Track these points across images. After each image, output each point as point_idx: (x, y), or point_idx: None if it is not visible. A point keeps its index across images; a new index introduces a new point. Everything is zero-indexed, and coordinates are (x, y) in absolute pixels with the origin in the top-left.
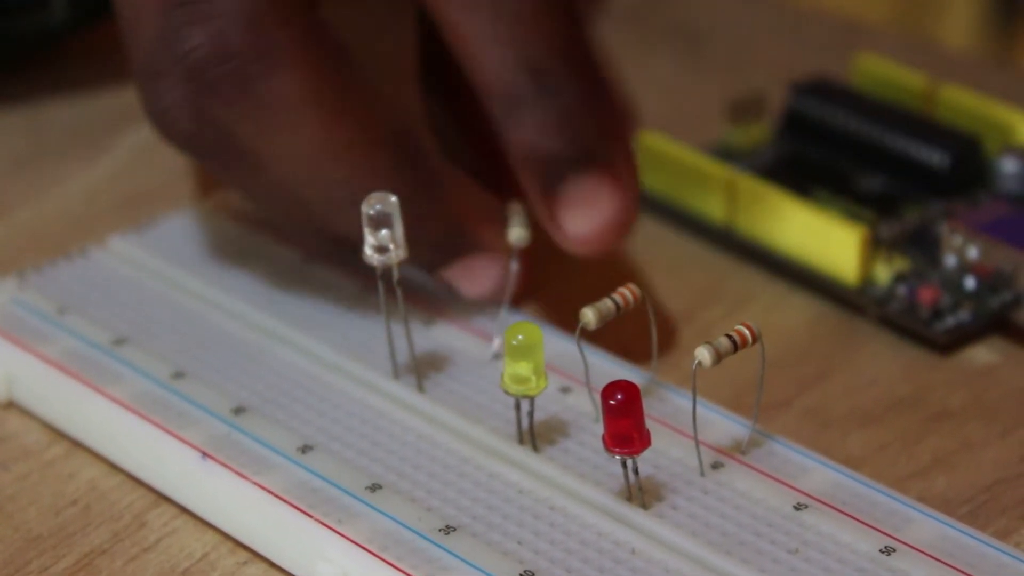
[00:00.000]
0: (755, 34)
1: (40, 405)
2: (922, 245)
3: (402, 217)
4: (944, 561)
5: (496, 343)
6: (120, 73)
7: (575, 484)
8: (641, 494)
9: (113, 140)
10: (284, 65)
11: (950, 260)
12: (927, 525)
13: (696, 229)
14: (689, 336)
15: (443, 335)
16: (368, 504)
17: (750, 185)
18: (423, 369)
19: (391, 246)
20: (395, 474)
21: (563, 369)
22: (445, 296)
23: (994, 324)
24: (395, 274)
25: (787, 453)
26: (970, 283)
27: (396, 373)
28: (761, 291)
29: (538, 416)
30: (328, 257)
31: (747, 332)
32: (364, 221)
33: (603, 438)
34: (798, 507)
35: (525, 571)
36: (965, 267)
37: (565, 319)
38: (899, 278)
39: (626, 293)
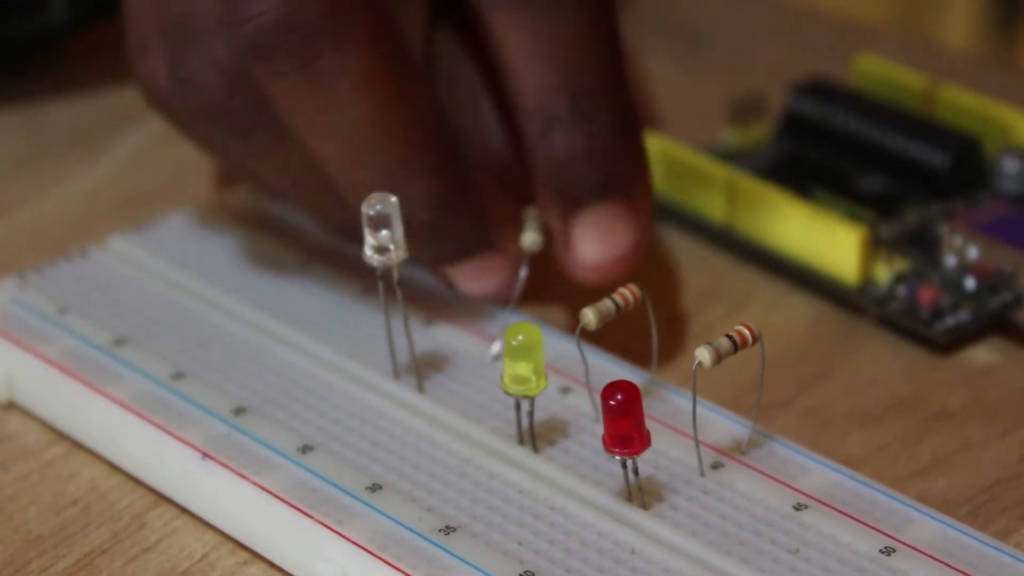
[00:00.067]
0: (755, 35)
1: (40, 405)
2: (922, 245)
3: (431, 212)
4: (944, 561)
5: (496, 346)
6: (120, 73)
7: (575, 484)
8: (641, 494)
9: (113, 140)
10: (353, 41)
11: (950, 260)
12: (927, 525)
13: (696, 229)
14: (689, 336)
15: (443, 335)
16: (368, 504)
17: (750, 185)
18: (423, 369)
19: (391, 246)
20: (395, 474)
21: (563, 369)
22: (445, 296)
23: (994, 324)
24: (395, 274)
25: (787, 453)
26: (970, 283)
27: (396, 373)
28: (761, 291)
29: (538, 416)
30: (329, 255)
31: (747, 332)
32: (364, 222)
33: (603, 438)
34: (798, 507)
35: (525, 571)
36: (965, 267)
37: (565, 319)
38: (899, 278)
39: (626, 293)
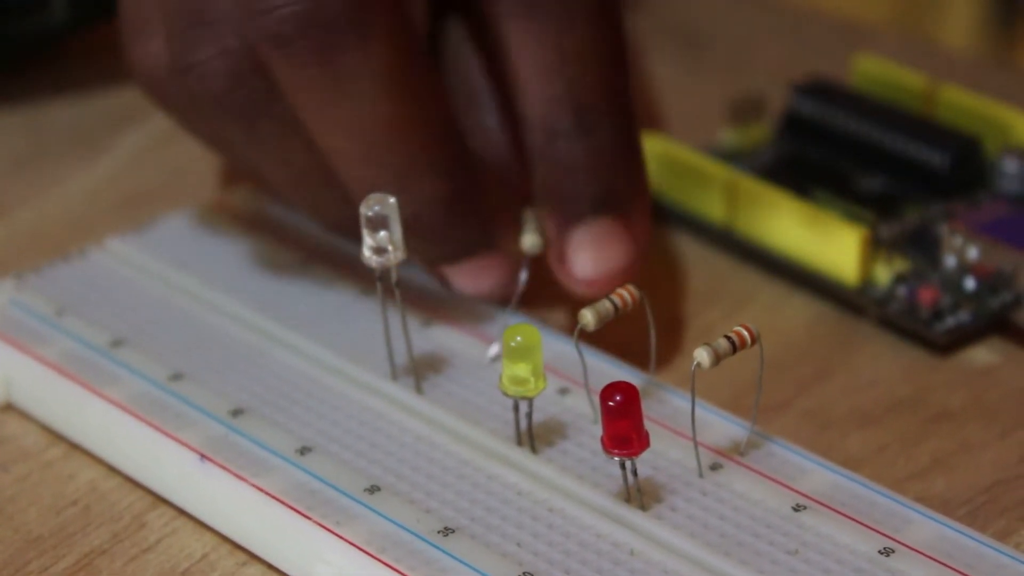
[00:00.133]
0: (755, 35)
1: (38, 407)
2: (922, 246)
3: (439, 211)
4: (943, 562)
5: (495, 348)
6: (120, 73)
7: (574, 486)
8: (640, 495)
9: (113, 141)
10: (377, 37)
11: (950, 261)
12: (926, 526)
13: (696, 229)
14: (688, 337)
15: (441, 336)
16: (367, 506)
17: (750, 186)
18: (421, 371)
19: (389, 247)
20: (394, 476)
21: (562, 370)
22: (443, 297)
23: (994, 325)
24: (393, 275)
25: (786, 454)
26: (970, 284)
27: (394, 375)
28: (761, 292)
29: (537, 417)
30: (327, 256)
31: (746, 333)
32: (362, 222)
33: (602, 439)
34: (797, 508)
35: (524, 572)
36: (965, 267)
37: (564, 320)
38: (899, 279)
39: (624, 294)
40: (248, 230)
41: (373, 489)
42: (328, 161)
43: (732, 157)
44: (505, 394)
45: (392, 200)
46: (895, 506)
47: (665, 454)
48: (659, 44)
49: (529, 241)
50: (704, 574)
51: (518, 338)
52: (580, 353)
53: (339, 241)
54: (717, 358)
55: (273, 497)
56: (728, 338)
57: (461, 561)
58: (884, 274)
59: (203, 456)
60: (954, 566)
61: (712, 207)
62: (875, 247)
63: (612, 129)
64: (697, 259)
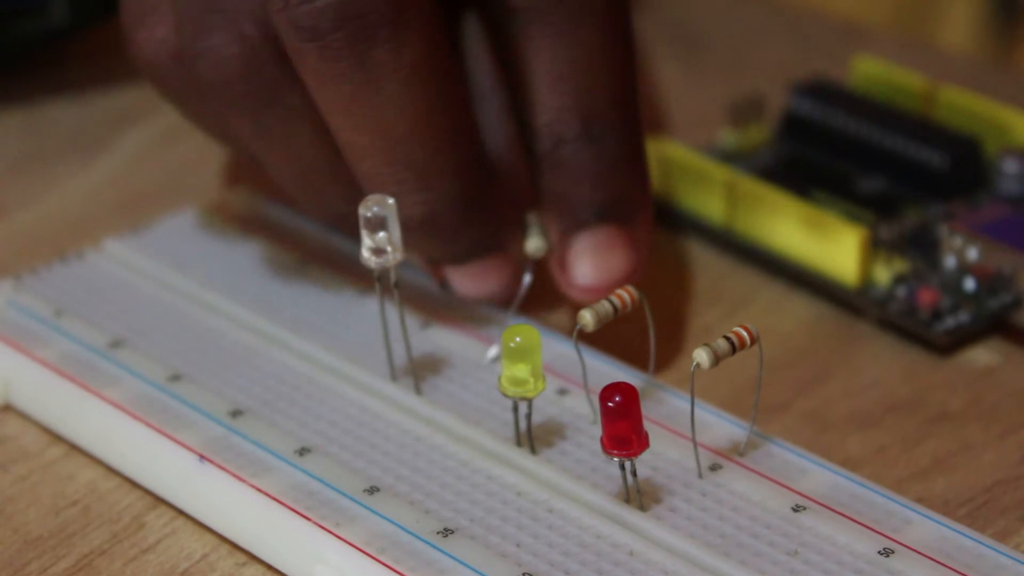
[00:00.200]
0: (755, 36)
1: (37, 408)
2: (922, 246)
3: (454, 210)
4: (943, 563)
5: (494, 349)
6: (120, 74)
7: (573, 486)
8: (639, 496)
9: (111, 142)
10: (412, 32)
11: (950, 261)
12: (926, 527)
13: (696, 230)
14: (688, 338)
15: (440, 337)
16: (366, 507)
17: (750, 186)
18: (421, 371)
19: (388, 248)
20: (393, 476)
21: (561, 371)
22: (442, 298)
23: (994, 325)
24: (392, 276)
25: (785, 455)
26: (970, 284)
27: (394, 375)
28: (760, 292)
29: (536, 418)
30: (326, 257)
31: (745, 334)
32: (361, 223)
33: (601, 440)
34: (796, 509)
35: (524, 573)
36: (965, 268)
37: (563, 321)
38: (899, 279)
39: (624, 295)
40: (247, 231)
41: (372, 490)
42: (344, 156)
43: (732, 158)
44: (504, 395)
45: (391, 201)
46: (895, 507)
47: (664, 455)
48: (659, 45)
49: (533, 245)
50: (703, 575)
51: (517, 339)
52: (579, 354)
53: (338, 242)
54: (716, 359)
55: (272, 498)
56: (727, 339)
57: (461, 562)
58: (884, 275)
59: (202, 457)
60: (954, 567)
61: (712, 208)
62: (875, 248)
63: (619, 138)
64: (697, 260)
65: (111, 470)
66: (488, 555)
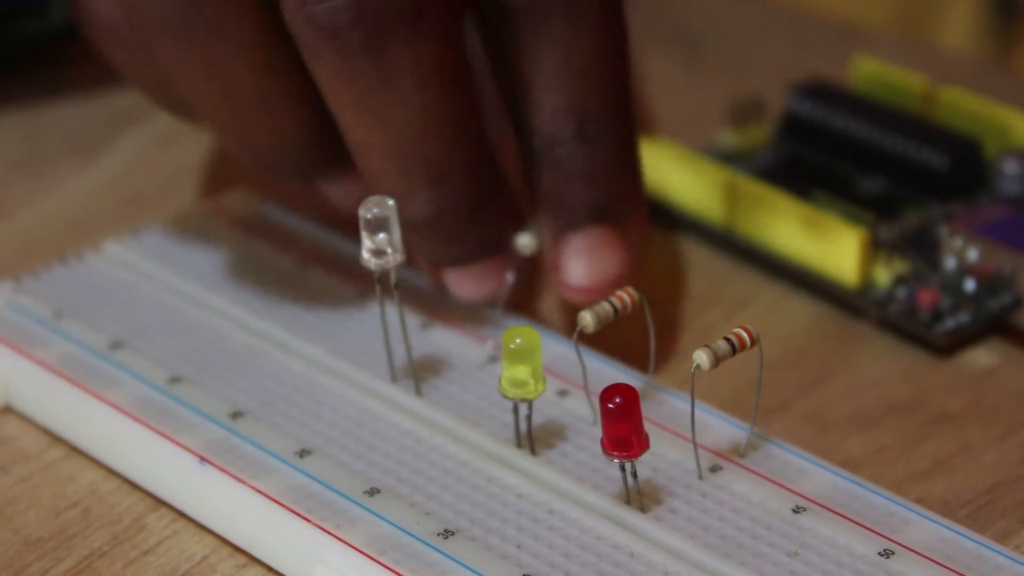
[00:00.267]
0: (755, 37)
1: (37, 410)
2: (922, 247)
3: (464, 210)
4: (943, 564)
5: (490, 345)
6: (118, 77)
7: (574, 488)
8: (640, 497)
9: (111, 143)
10: (428, 29)
11: (950, 262)
12: (926, 528)
13: (695, 231)
14: (688, 339)
15: (440, 339)
16: (366, 508)
17: (750, 187)
18: (421, 373)
19: (388, 250)
20: (393, 478)
21: (561, 373)
22: (442, 299)
23: (994, 326)
24: (392, 277)
25: (786, 456)
26: (970, 285)
27: (394, 377)
28: (760, 293)
29: (536, 420)
30: (326, 259)
31: (745, 335)
32: (361, 225)
33: (601, 442)
34: (797, 510)
35: (524, 575)
36: (965, 269)
37: (563, 322)
38: (899, 280)
39: (624, 296)
40: (247, 233)
41: (373, 491)
42: (353, 154)
43: (732, 158)
44: (505, 396)
45: (391, 202)
46: (895, 508)
47: (665, 456)
48: (658, 45)
49: (522, 241)
50: None
51: (518, 340)
52: (579, 355)
53: (338, 243)
54: (717, 360)
55: (273, 500)
56: (728, 340)
57: (461, 563)
58: (884, 276)
59: (203, 459)
60: (954, 568)
61: (712, 209)
62: (875, 249)
63: (613, 139)
64: (697, 261)
65: (111, 472)
66: (489, 557)
